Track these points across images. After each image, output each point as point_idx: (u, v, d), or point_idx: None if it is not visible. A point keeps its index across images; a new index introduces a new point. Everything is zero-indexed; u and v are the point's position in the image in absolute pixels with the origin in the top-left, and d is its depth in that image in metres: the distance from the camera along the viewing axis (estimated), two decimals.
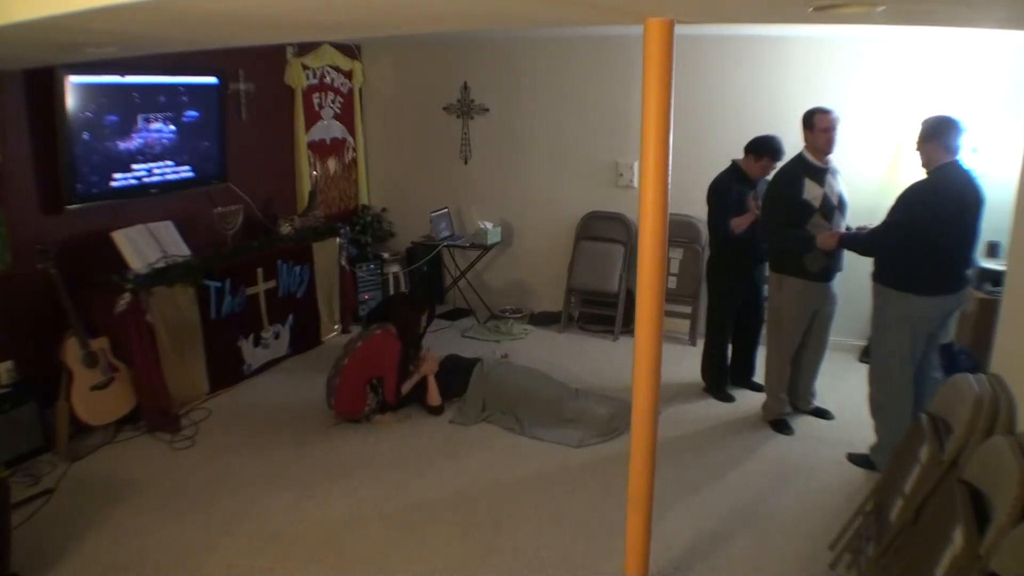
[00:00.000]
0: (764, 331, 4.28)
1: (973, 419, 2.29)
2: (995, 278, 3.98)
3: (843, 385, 4.48)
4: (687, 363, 4.84)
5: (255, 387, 4.65)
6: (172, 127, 4.43)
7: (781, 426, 4.02)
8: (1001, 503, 1.85)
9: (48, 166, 3.84)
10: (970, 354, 3.90)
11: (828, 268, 3.79)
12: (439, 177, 6.13)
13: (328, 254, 5.35)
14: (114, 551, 2.98)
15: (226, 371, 4.55)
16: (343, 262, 5.48)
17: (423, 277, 6.04)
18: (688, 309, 5.37)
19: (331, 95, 5.86)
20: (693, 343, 5.29)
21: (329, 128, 5.90)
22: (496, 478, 3.56)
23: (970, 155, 3.30)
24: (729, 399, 4.42)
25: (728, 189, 4.15)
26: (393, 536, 3.10)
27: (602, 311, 5.62)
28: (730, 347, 4.50)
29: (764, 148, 4.07)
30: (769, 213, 3.89)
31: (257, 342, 4.77)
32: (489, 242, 5.73)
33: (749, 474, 3.59)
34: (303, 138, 5.58)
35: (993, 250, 4.27)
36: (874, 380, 3.53)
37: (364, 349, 4.12)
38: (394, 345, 4.13)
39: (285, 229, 5.08)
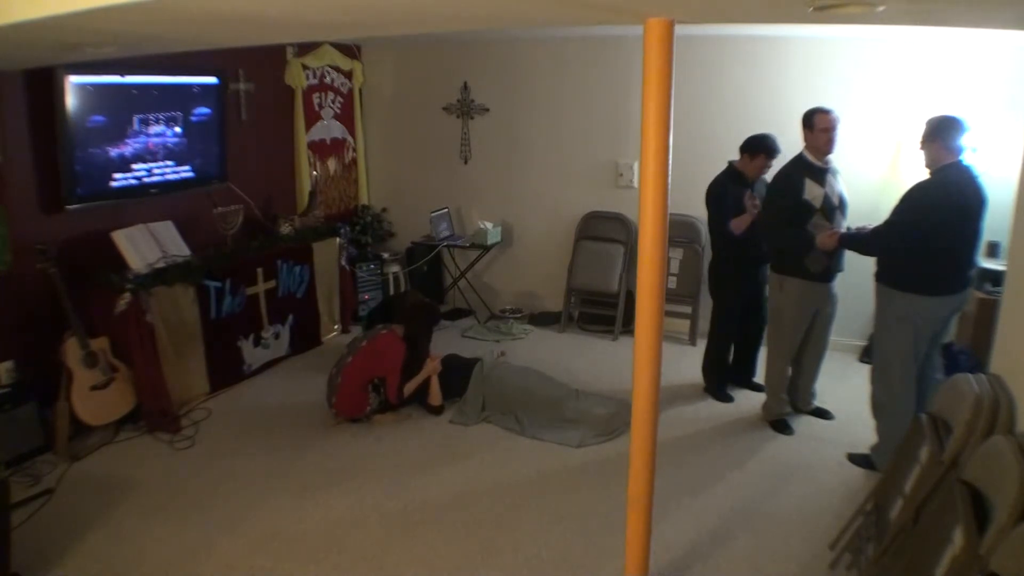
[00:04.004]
0: (765, 331, 4.28)
1: (973, 419, 2.29)
2: (995, 278, 3.98)
3: (843, 385, 4.48)
4: (687, 363, 4.84)
5: (255, 387, 4.65)
6: (172, 127, 4.43)
7: (781, 426, 4.02)
8: (1001, 503, 1.85)
9: (48, 166, 3.84)
10: (970, 354, 3.90)
11: (829, 268, 3.79)
12: (439, 177, 6.13)
13: (328, 254, 5.35)
14: (114, 551, 2.98)
15: (226, 371, 4.55)
16: (343, 262, 5.48)
17: (423, 277, 6.04)
18: (688, 309, 5.37)
19: (331, 95, 5.86)
20: (693, 343, 5.29)
21: (329, 128, 5.90)
22: (496, 478, 3.56)
23: (970, 155, 3.29)
24: (728, 399, 4.42)
25: (724, 191, 4.16)
26: (393, 536, 3.10)
27: (602, 311, 5.62)
28: (732, 348, 4.50)
29: (758, 147, 4.07)
30: (769, 213, 3.89)
31: (257, 342, 4.77)
32: (489, 242, 5.73)
33: (749, 474, 3.59)
34: (303, 138, 5.58)
35: (993, 250, 4.26)
36: (876, 380, 3.53)
37: (368, 348, 4.13)
38: (399, 346, 4.13)
39: (285, 229, 5.08)
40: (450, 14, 2.37)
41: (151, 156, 4.33)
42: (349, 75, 6.00)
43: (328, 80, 5.81)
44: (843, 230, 3.73)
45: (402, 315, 4.31)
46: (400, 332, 4.20)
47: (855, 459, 3.66)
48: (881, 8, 1.94)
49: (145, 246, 4.19)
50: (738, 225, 4.10)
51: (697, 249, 5.30)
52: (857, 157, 4.68)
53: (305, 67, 5.50)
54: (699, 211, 5.05)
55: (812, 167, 3.75)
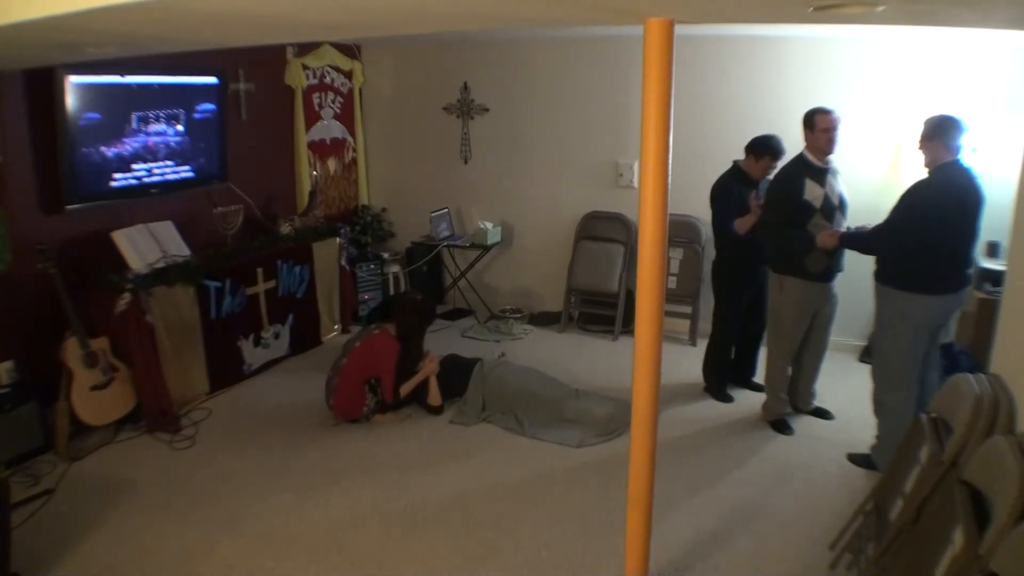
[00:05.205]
0: (765, 331, 4.28)
1: (973, 419, 2.29)
2: (995, 278, 3.98)
3: (843, 385, 4.48)
4: (687, 363, 4.84)
5: (255, 387, 4.65)
6: (172, 127, 4.43)
7: (781, 426, 4.02)
8: (1001, 503, 1.85)
9: (48, 166, 3.84)
10: (970, 354, 3.90)
11: (829, 268, 3.79)
12: (439, 177, 6.13)
13: (328, 254, 5.35)
14: (114, 551, 2.98)
15: (226, 371, 4.55)
16: (343, 262, 5.48)
17: (423, 277, 6.04)
18: (688, 309, 5.37)
19: (331, 95, 5.86)
20: (693, 343, 5.29)
21: (329, 128, 5.90)
22: (496, 478, 3.56)
23: (970, 155, 3.30)
24: (728, 399, 4.42)
25: (729, 190, 4.16)
26: (393, 536, 3.10)
27: (602, 311, 5.62)
28: (733, 348, 4.50)
29: (764, 148, 4.07)
30: (770, 214, 3.89)
31: (257, 342, 4.77)
32: (489, 242, 5.73)
33: (749, 474, 3.59)
34: (303, 138, 5.58)
35: (993, 250, 4.26)
36: (878, 379, 3.53)
37: (362, 349, 4.13)
38: (392, 345, 4.13)
39: (285, 229, 5.08)
40: (450, 14, 2.37)
41: (151, 156, 4.33)
42: (349, 75, 6.00)
43: (328, 80, 5.81)
44: (843, 230, 3.73)
45: (395, 314, 4.32)
46: (393, 331, 4.20)
47: (855, 459, 3.66)
48: (881, 8, 1.94)
49: (145, 246, 4.19)
50: (742, 225, 4.10)
51: (697, 249, 5.30)
52: (857, 157, 4.67)
53: (305, 67, 5.50)
54: (699, 211, 5.06)
55: (812, 167, 3.75)
